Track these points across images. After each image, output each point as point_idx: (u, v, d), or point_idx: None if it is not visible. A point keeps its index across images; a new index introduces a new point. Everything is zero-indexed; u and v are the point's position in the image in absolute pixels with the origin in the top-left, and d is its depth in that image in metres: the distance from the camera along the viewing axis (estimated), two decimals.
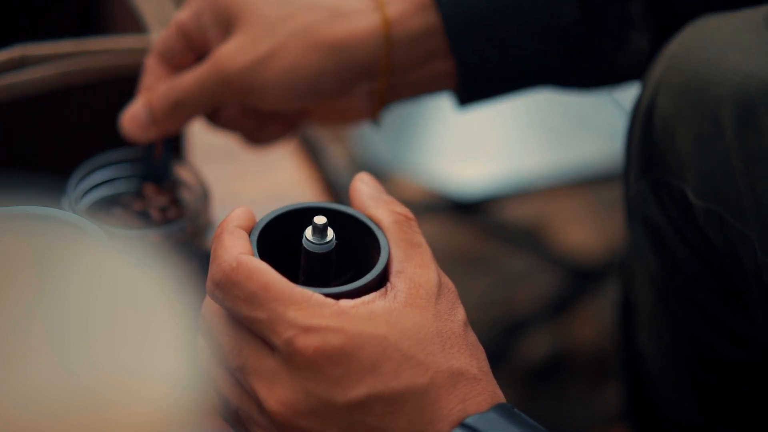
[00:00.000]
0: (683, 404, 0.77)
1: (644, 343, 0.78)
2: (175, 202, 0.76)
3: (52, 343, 0.36)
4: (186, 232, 0.73)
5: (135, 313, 0.38)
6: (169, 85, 0.72)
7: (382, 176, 1.29)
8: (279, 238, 0.58)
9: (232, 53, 0.70)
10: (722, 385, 0.74)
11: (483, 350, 0.55)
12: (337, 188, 1.18)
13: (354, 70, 0.70)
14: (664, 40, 0.69)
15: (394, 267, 0.56)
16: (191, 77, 0.71)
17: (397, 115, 1.35)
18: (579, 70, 0.72)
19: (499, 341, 1.20)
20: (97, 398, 0.35)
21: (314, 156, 1.20)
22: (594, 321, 1.22)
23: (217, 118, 0.75)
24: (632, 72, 0.72)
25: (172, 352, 0.37)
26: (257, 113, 0.75)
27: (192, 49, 0.73)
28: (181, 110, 0.72)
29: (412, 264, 0.56)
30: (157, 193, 0.76)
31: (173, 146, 0.76)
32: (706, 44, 0.64)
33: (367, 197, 0.59)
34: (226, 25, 0.71)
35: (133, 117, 0.73)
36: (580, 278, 1.26)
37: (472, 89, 0.73)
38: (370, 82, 0.71)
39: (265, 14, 0.70)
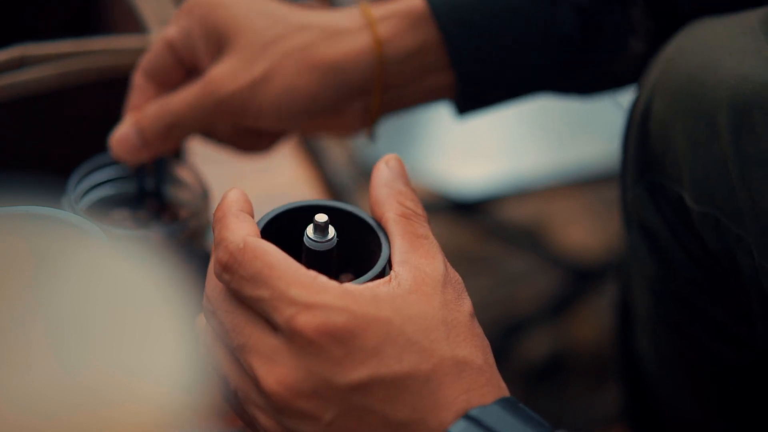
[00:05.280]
0: (682, 404, 0.77)
1: (642, 345, 0.78)
2: (173, 217, 0.75)
3: (52, 343, 0.36)
4: (186, 232, 0.73)
5: (135, 313, 0.38)
6: (160, 106, 0.70)
7: None
8: (280, 236, 0.58)
9: (225, 75, 0.68)
10: (721, 386, 0.74)
11: (488, 343, 0.55)
12: (337, 188, 1.18)
13: (349, 90, 0.70)
14: (662, 42, 0.69)
15: (399, 258, 0.55)
16: (183, 99, 0.70)
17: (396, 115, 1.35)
18: (578, 77, 0.72)
19: (499, 341, 1.20)
20: (96, 398, 0.35)
21: (314, 156, 1.20)
22: (594, 321, 1.22)
23: (210, 135, 0.75)
24: (631, 76, 0.72)
25: (172, 352, 0.37)
26: (250, 131, 0.74)
27: (181, 65, 0.71)
28: (173, 133, 0.70)
29: (417, 254, 0.55)
30: (154, 211, 0.76)
31: (165, 165, 0.75)
32: (702, 48, 0.64)
33: (383, 183, 0.58)
34: (217, 44, 0.70)
35: (123, 139, 0.71)
36: (580, 278, 1.26)
37: (472, 99, 0.73)
38: (364, 100, 0.71)
39: (257, 34, 0.69)
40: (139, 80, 0.72)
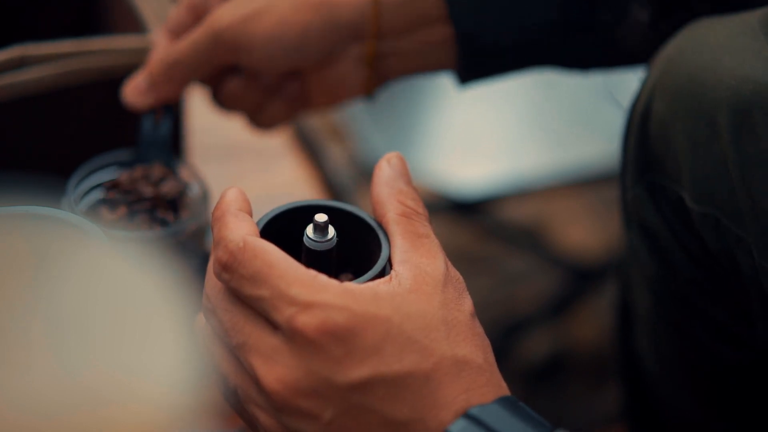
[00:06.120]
0: (682, 404, 0.77)
1: (642, 345, 0.78)
2: (176, 193, 0.75)
3: (52, 343, 0.36)
4: (186, 232, 0.73)
5: (134, 313, 0.38)
6: (167, 49, 0.75)
7: None
8: (280, 236, 0.58)
9: (223, 11, 0.72)
10: (721, 386, 0.74)
11: (489, 343, 0.55)
12: (337, 188, 1.18)
13: (341, 31, 0.72)
14: (666, 18, 0.69)
15: (399, 257, 0.55)
16: (186, 39, 0.74)
17: (397, 115, 1.35)
18: (578, 44, 0.72)
19: (499, 341, 1.20)
20: (96, 398, 0.35)
21: (314, 155, 1.20)
22: (594, 321, 1.22)
23: (219, 92, 0.77)
24: (634, 52, 0.72)
25: (172, 352, 0.38)
26: (258, 87, 0.76)
27: (199, 21, 0.75)
28: (176, 71, 0.74)
29: (418, 254, 0.55)
30: (159, 172, 0.75)
31: (173, 115, 0.77)
32: (702, 48, 0.64)
33: (384, 182, 0.58)
34: None
35: (134, 85, 0.75)
36: (580, 278, 1.26)
37: (472, 65, 0.73)
38: (359, 47, 0.72)
39: None
40: (160, 38, 0.76)
